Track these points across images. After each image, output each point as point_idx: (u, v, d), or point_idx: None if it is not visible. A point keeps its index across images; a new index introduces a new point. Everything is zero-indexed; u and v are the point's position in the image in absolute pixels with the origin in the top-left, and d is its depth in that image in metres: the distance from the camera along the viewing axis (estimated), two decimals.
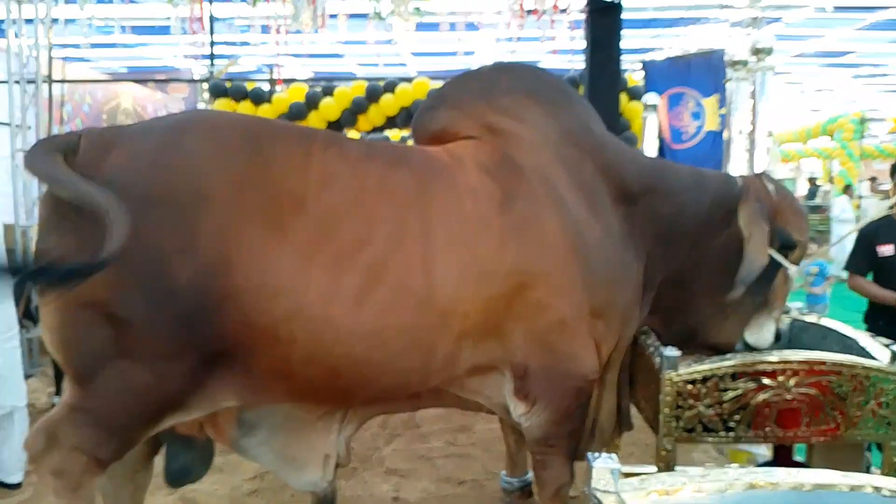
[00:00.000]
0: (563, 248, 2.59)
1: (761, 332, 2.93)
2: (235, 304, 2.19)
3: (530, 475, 3.37)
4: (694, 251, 2.93)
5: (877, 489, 1.44)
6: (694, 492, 1.50)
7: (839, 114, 14.21)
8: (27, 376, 5.87)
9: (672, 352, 2.69)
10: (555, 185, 2.67)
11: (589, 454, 1.61)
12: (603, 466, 1.53)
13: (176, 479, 2.63)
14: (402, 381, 2.47)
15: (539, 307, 2.55)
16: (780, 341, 2.98)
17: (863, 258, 4.18)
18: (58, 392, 5.03)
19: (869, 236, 4.18)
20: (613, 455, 1.56)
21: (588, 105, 3.14)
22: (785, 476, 1.53)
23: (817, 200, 15.99)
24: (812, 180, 18.24)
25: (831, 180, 14.14)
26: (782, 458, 3.09)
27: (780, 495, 1.51)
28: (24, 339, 6.01)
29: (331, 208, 2.33)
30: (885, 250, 4.07)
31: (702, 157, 5.98)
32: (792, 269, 2.92)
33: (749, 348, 2.93)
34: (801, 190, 18.52)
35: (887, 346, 2.80)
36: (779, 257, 2.87)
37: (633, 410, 3.18)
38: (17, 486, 3.74)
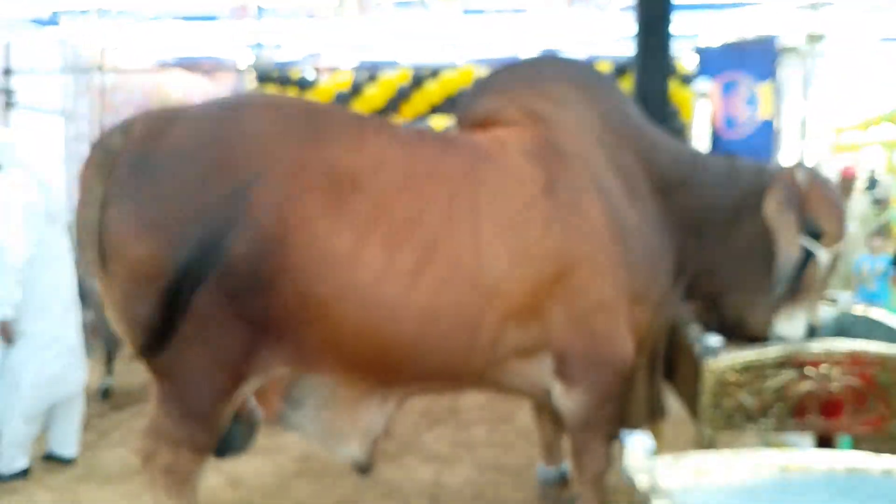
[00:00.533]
0: (604, 233, 2.63)
1: (791, 323, 2.88)
2: (290, 278, 2.28)
3: (566, 465, 3.39)
4: (727, 242, 2.94)
5: None
6: (726, 472, 1.51)
7: None
8: None
9: (713, 340, 2.69)
10: (595, 170, 2.72)
11: (624, 432, 1.62)
12: (637, 444, 1.54)
13: (224, 450, 2.71)
14: (448, 360, 2.52)
15: (580, 290, 2.59)
16: (815, 335, 2.89)
17: None
18: (109, 372, 5.17)
19: None
20: (648, 433, 1.57)
21: (624, 94, 3.20)
22: (818, 459, 1.55)
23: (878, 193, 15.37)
24: (871, 172, 17.57)
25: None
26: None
27: (813, 478, 1.51)
28: None
29: (384, 189, 2.40)
30: None
31: (756, 146, 5.83)
32: (822, 257, 2.87)
33: (780, 339, 2.87)
34: (862, 182, 17.85)
35: None
36: (809, 245, 2.84)
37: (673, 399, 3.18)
38: (71, 460, 3.90)
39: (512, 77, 3.03)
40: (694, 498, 1.42)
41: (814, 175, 2.98)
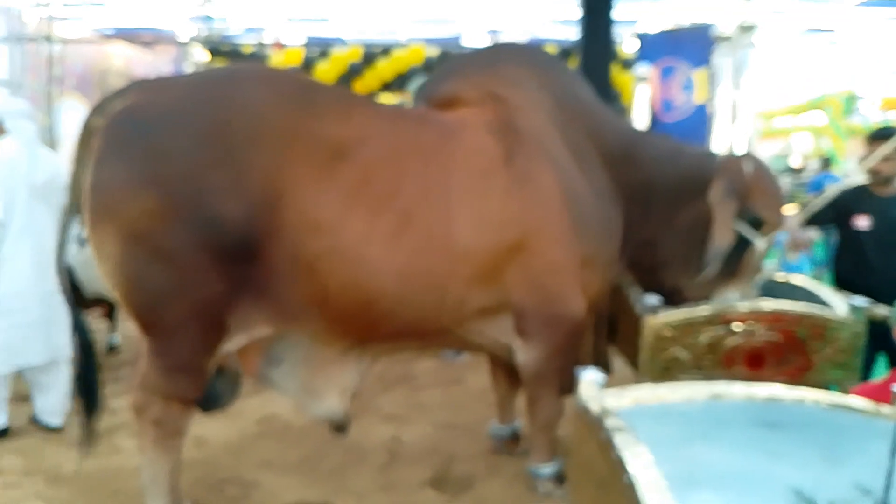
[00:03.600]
0: (557, 201, 2.87)
1: (727, 299, 3.16)
2: (280, 238, 2.44)
3: (518, 423, 3.65)
4: (670, 218, 3.21)
5: (816, 402, 1.69)
6: (664, 399, 1.73)
7: (829, 91, 14.41)
8: None
9: (652, 299, 2.97)
10: (548, 145, 2.96)
11: (578, 368, 1.84)
12: (589, 378, 1.74)
13: (210, 404, 2.89)
14: (420, 316, 2.73)
15: (536, 253, 2.83)
16: None
17: (825, 217, 3.93)
18: (113, 330, 5.40)
19: (846, 204, 3.85)
20: (597, 370, 1.78)
21: (578, 76, 3.44)
22: (741, 389, 1.76)
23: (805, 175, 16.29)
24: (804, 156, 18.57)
25: (821, 156, 14.43)
26: None
27: (737, 404, 1.74)
28: None
29: (368, 160, 2.59)
30: (860, 223, 3.76)
31: (690, 128, 6.18)
32: (760, 244, 3.16)
33: None
34: (795, 164, 18.80)
35: (846, 300, 3.09)
36: (747, 233, 3.12)
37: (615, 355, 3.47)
38: (59, 429, 3.91)
39: (473, 62, 3.29)
40: (636, 420, 1.56)
41: (760, 166, 3.23)
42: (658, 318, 2.94)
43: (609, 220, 3.08)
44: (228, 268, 2.43)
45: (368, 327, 2.73)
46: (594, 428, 1.51)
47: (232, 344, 2.60)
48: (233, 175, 2.39)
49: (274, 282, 2.50)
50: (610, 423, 1.48)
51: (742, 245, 3.14)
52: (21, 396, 4.52)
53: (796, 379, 2.96)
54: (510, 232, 2.78)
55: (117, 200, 2.36)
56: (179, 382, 2.55)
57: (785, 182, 6.04)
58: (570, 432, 1.86)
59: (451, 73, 3.26)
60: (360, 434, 3.86)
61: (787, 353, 2.98)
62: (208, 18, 7.47)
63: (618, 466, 1.33)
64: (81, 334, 2.73)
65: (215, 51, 6.84)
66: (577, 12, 5.89)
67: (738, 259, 3.16)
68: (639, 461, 1.31)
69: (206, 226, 2.37)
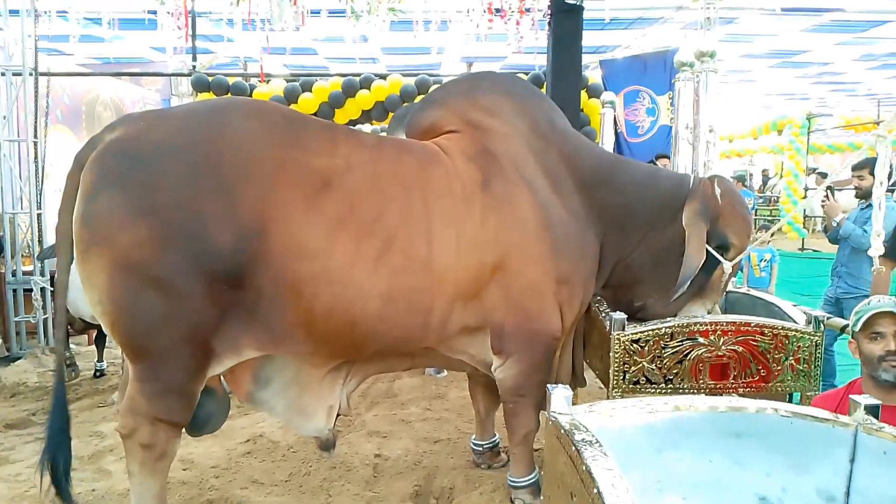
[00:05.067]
0: (533, 223, 3.02)
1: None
2: (268, 264, 2.54)
3: (497, 437, 3.79)
4: (646, 240, 3.33)
5: (776, 410, 1.80)
6: (630, 414, 1.82)
7: (787, 112, 14.92)
8: (15, 358, 6.14)
9: (620, 315, 3.12)
10: (524, 169, 3.12)
11: (549, 385, 1.95)
12: (559, 394, 1.83)
13: (199, 427, 2.95)
14: (406, 336, 2.85)
15: (514, 273, 2.96)
16: None
17: None
18: (100, 359, 5.62)
19: None
20: (567, 386, 1.88)
21: (553, 104, 3.60)
22: (703, 401, 1.86)
23: (767, 192, 16.86)
24: (765, 172, 19.26)
25: (781, 175, 14.88)
26: None
27: (700, 415, 1.83)
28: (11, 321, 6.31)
29: (352, 188, 2.72)
30: None
31: (656, 148, 6.45)
32: (727, 266, 3.29)
33: None
34: (757, 182, 19.45)
35: (805, 312, 3.27)
36: (715, 254, 3.25)
37: (587, 370, 3.62)
38: None
39: (452, 91, 3.43)
40: (605, 434, 1.63)
41: (729, 190, 3.35)
42: (626, 333, 3.09)
43: (584, 241, 3.20)
44: (218, 294, 2.51)
45: (354, 348, 2.84)
46: (565, 442, 1.59)
47: (220, 367, 2.68)
48: (223, 204, 2.49)
49: (262, 306, 2.59)
50: (579, 436, 1.55)
51: (709, 266, 3.25)
52: (12, 424, 4.61)
53: (760, 389, 3.13)
54: (489, 253, 2.91)
55: (109, 231, 2.43)
56: (167, 406, 2.61)
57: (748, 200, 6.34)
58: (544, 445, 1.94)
59: (430, 103, 3.41)
60: (345, 450, 3.98)
61: (751, 364, 3.14)
62: (194, 50, 7.60)
63: (587, 479, 1.39)
64: (59, 382, 2.78)
65: (199, 83, 6.98)
66: (547, 42, 6.16)
67: (704, 280, 3.29)
68: (607, 474, 1.37)
69: (198, 254, 2.46)
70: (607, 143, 6.01)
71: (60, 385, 2.81)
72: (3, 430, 4.52)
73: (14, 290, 6.48)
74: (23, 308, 6.50)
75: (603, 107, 6.00)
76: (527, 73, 7.10)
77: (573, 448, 1.52)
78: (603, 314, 3.26)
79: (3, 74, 6.21)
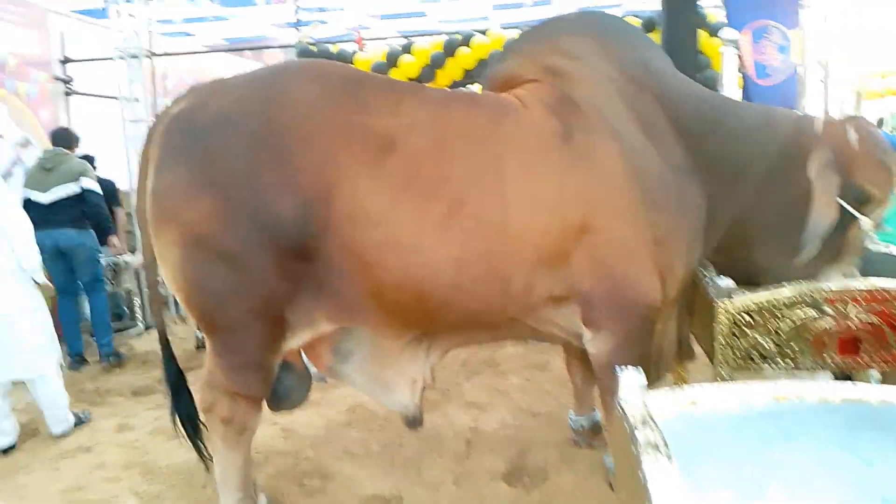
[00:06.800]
0: (621, 176, 2.68)
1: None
2: (334, 233, 2.45)
3: (597, 413, 3.53)
4: (764, 194, 2.91)
5: None
6: (719, 402, 1.53)
7: None
8: (148, 327, 6.55)
9: (725, 281, 2.75)
10: (612, 117, 2.78)
11: (616, 367, 1.70)
12: (630, 379, 1.56)
13: (279, 402, 2.95)
14: (484, 305, 2.65)
15: (602, 234, 2.65)
16: None
17: None
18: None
19: None
20: (640, 368, 1.60)
21: (650, 41, 3.21)
22: (812, 389, 1.54)
23: None
24: None
25: None
26: None
27: (806, 407, 1.52)
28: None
29: (418, 147, 2.56)
30: None
31: (791, 92, 5.75)
32: (866, 224, 2.81)
33: None
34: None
35: None
36: (851, 210, 2.78)
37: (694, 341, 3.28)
38: (61, 436, 4.10)
39: (532, 38, 3.13)
40: (687, 425, 1.43)
41: (867, 133, 2.85)
42: (734, 302, 2.73)
43: (686, 196, 2.83)
44: (286, 266, 2.47)
45: (429, 319, 2.69)
46: (629, 440, 1.38)
47: (295, 340, 2.65)
48: (283, 173, 2.42)
49: (331, 277, 2.52)
50: (643, 436, 1.34)
51: (844, 223, 2.80)
52: (138, 391, 4.91)
53: None
54: (571, 212, 2.63)
55: (175, 205, 2.44)
56: (244, 380, 2.62)
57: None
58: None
59: (510, 52, 3.15)
60: (440, 421, 3.91)
61: (888, 337, 2.70)
62: (298, 23, 7.69)
63: (642, 490, 1.21)
64: (167, 354, 2.92)
65: (304, 54, 7.04)
66: None
67: (839, 239, 2.84)
68: (665, 484, 1.19)
69: (262, 225, 2.41)
70: (729, 87, 5.41)
71: (167, 349, 2.92)
72: (129, 396, 4.84)
73: None
74: None
75: (724, 45, 5.40)
76: (637, 19, 6.57)
77: (632, 448, 1.32)
78: (707, 279, 2.90)
79: (121, 58, 6.54)
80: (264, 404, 2.83)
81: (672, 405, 1.54)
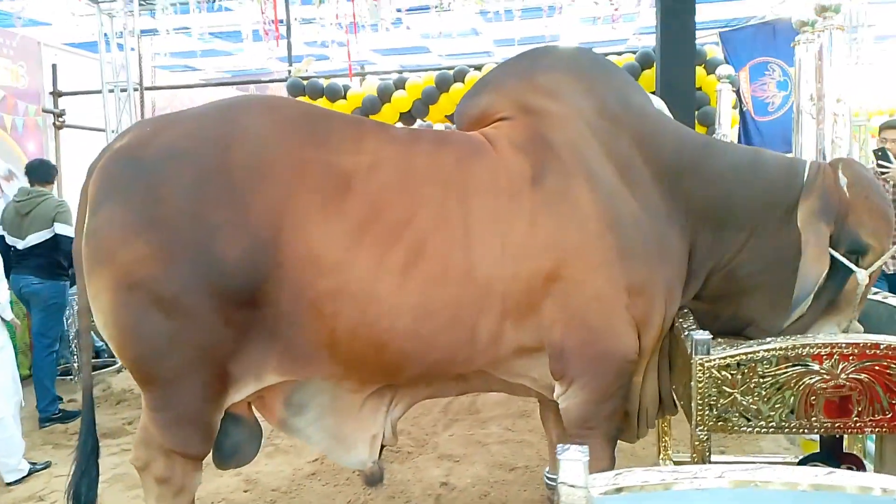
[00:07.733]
0: (595, 222, 2.51)
1: None
2: (286, 278, 2.27)
3: None
4: (752, 242, 2.72)
5: (885, 491, 1.23)
6: (672, 489, 1.33)
7: None
8: None
9: (703, 335, 2.54)
10: (587, 158, 2.61)
11: (558, 446, 1.51)
12: (571, 459, 1.31)
13: (226, 459, 2.70)
14: (447, 357, 2.46)
15: (574, 283, 2.47)
16: None
17: None
18: None
19: None
20: (584, 448, 1.44)
21: (629, 79, 3.05)
22: (780, 474, 1.32)
23: None
24: None
25: None
26: (833, 449, 2.86)
27: (768, 496, 1.31)
28: None
29: (379, 188, 2.39)
30: None
31: (789, 127, 5.61)
32: (861, 276, 2.58)
33: None
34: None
35: None
36: (846, 262, 2.56)
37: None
38: (16, 482, 3.98)
39: (506, 72, 2.96)
40: None
41: (860, 178, 2.63)
42: (712, 357, 2.52)
43: (665, 242, 2.65)
44: (231, 313, 2.29)
45: (389, 371, 2.50)
46: None
47: (240, 394, 2.45)
48: (232, 213, 2.25)
49: (282, 326, 2.33)
50: None
51: (841, 274, 2.58)
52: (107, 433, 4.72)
53: (894, 430, 2.47)
54: (542, 259, 2.45)
55: (110, 247, 2.27)
56: (182, 437, 2.42)
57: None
58: None
59: (482, 86, 2.98)
60: (410, 476, 3.72)
61: (881, 397, 2.47)
62: (290, 57, 7.65)
63: None
64: (88, 417, 2.66)
65: (294, 88, 6.98)
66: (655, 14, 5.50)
67: (834, 291, 2.63)
68: None
69: (206, 269, 2.24)
70: (726, 123, 5.25)
71: (89, 411, 2.68)
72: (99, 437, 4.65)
73: None
74: None
75: (720, 82, 5.23)
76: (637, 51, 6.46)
77: None
78: (685, 332, 2.69)
79: (111, 91, 6.51)
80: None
81: (616, 491, 1.32)
